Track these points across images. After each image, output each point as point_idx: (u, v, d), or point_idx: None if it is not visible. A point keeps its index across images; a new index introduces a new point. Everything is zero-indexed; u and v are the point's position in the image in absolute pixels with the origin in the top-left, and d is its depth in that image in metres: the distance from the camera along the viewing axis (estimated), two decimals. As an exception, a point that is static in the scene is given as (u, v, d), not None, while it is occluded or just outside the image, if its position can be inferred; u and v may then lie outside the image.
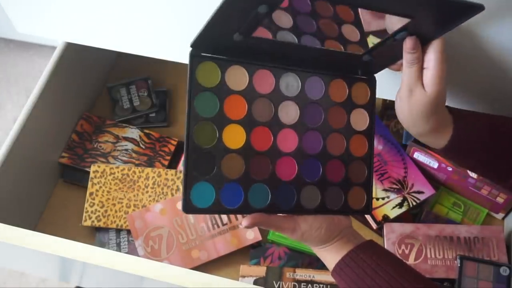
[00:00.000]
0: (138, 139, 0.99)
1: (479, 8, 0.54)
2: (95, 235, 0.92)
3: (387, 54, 0.64)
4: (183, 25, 0.73)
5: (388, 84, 0.69)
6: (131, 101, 1.03)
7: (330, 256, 0.64)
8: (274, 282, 0.84)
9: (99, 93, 1.07)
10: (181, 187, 0.72)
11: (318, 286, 0.84)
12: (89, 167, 0.94)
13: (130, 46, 0.81)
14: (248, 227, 0.60)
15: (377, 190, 0.90)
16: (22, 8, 0.80)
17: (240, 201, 0.61)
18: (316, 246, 0.65)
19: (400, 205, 0.89)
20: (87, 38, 0.83)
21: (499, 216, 0.92)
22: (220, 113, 0.60)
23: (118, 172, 0.93)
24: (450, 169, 0.89)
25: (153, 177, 0.93)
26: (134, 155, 0.98)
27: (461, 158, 0.69)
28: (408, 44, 0.59)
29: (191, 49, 0.58)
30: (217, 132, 0.60)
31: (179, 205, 0.89)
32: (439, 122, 0.63)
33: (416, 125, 0.63)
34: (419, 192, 0.90)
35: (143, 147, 0.98)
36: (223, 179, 0.60)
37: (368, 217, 0.89)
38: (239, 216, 0.89)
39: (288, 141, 0.63)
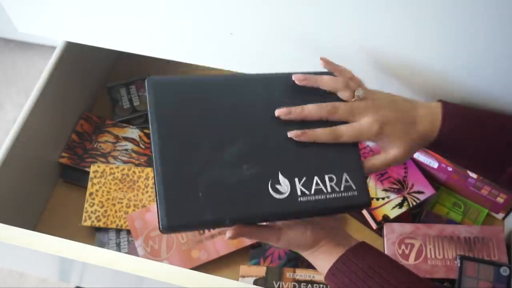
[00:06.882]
0: (138, 139, 0.99)
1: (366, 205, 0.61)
2: (95, 235, 0.92)
3: None
4: (183, 25, 0.73)
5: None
6: (131, 101, 1.03)
7: (320, 260, 0.63)
8: (274, 282, 0.84)
9: (99, 93, 1.07)
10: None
11: (318, 286, 0.84)
12: (89, 167, 0.94)
13: (130, 46, 0.81)
14: (232, 238, 0.60)
15: (377, 190, 0.90)
16: (23, 8, 0.80)
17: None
18: (304, 251, 0.64)
19: (400, 205, 0.89)
20: (87, 38, 0.83)
21: (499, 216, 0.92)
22: None
23: (118, 172, 0.93)
24: (450, 169, 0.89)
25: (153, 177, 0.93)
26: (134, 155, 0.98)
27: (452, 154, 0.68)
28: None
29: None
30: None
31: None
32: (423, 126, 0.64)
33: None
34: (419, 192, 0.90)
35: (143, 147, 0.98)
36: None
37: (368, 217, 0.89)
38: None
39: None
